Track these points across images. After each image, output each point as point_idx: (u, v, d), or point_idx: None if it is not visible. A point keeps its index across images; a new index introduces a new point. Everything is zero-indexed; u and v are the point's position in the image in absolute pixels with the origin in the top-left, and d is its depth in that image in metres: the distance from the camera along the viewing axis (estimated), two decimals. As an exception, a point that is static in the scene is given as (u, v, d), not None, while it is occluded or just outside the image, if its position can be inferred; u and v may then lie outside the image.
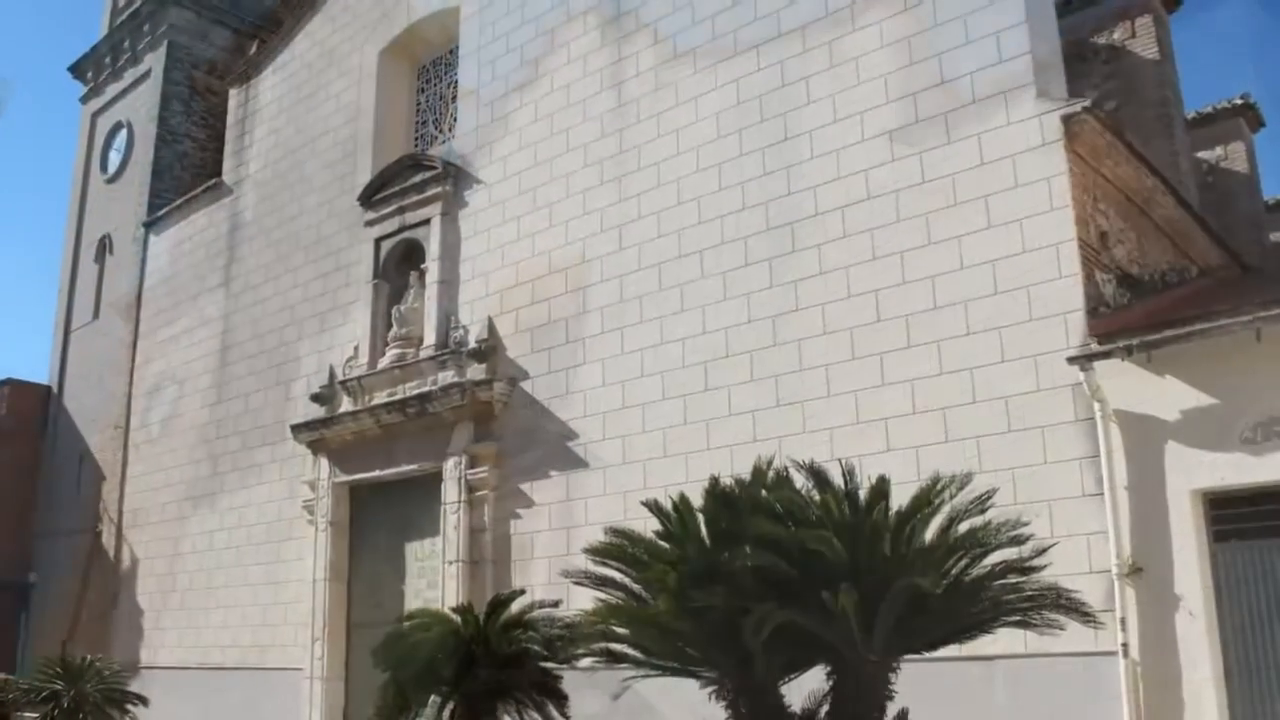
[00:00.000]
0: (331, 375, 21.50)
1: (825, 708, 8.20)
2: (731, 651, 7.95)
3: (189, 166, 29.56)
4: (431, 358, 19.53)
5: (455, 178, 20.09)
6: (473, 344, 18.81)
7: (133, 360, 27.77)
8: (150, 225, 28.58)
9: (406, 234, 20.77)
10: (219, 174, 26.85)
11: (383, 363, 20.55)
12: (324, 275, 22.58)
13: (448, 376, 19.09)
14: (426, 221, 20.36)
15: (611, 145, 17.73)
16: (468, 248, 19.58)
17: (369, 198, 21.42)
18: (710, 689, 8.39)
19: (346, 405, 20.93)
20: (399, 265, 20.96)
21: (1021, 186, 13.24)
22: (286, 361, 22.97)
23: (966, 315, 13.35)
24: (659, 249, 16.66)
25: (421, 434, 19.16)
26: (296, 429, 21.45)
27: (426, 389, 19.23)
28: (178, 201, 27.88)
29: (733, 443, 15.00)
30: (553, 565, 16.42)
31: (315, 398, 21.60)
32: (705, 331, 15.78)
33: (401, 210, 20.84)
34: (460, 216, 19.89)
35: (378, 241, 21.20)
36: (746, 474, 8.61)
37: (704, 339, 15.78)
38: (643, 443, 16.14)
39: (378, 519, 20.29)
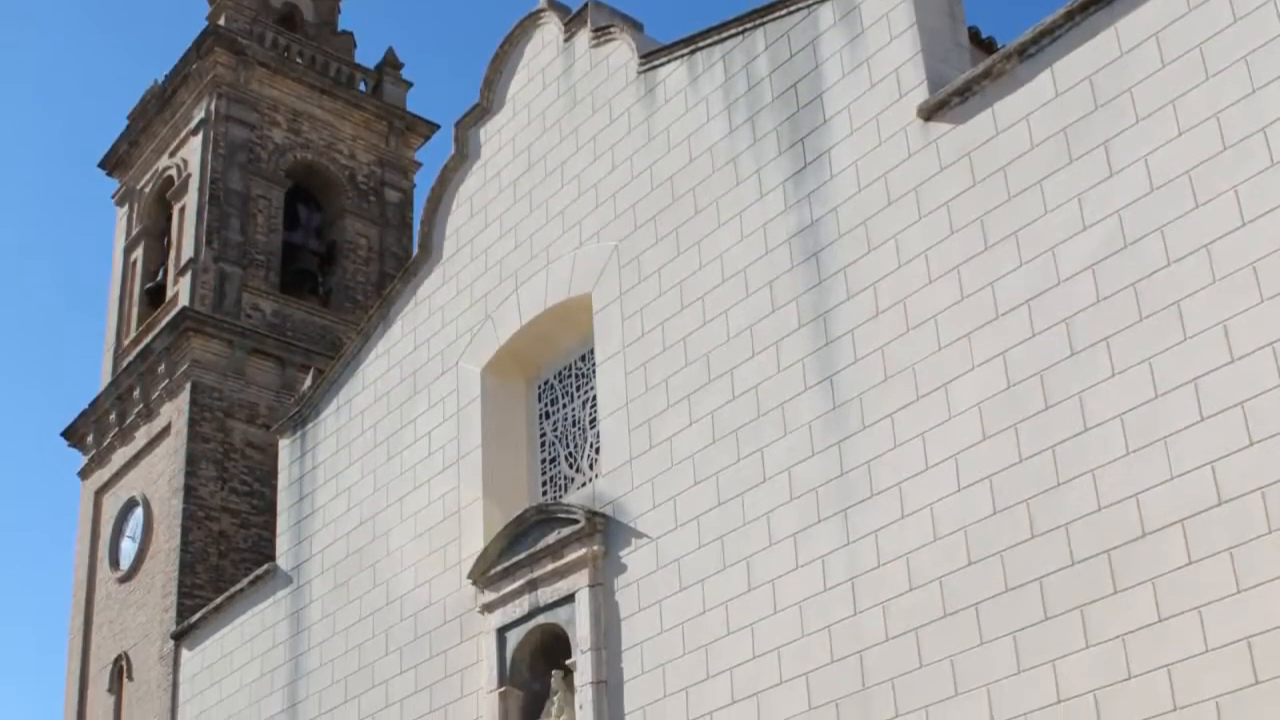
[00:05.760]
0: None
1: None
2: None
3: (229, 551, 28.54)
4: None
5: (605, 532, 18.79)
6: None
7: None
8: (180, 636, 27.22)
9: (541, 618, 19.45)
10: (271, 558, 25.62)
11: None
12: (429, 687, 20.90)
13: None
14: (570, 598, 19.03)
15: (831, 464, 16.08)
16: (631, 629, 18.14)
17: (485, 572, 20.08)
18: None
19: None
20: (534, 664, 19.62)
21: None
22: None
23: None
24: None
25: None
26: None
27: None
28: (217, 600, 26.53)
29: None
30: None
31: None
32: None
33: (533, 585, 19.46)
34: (616, 586, 18.51)
35: (500, 632, 19.83)
36: None
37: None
38: None
39: None
